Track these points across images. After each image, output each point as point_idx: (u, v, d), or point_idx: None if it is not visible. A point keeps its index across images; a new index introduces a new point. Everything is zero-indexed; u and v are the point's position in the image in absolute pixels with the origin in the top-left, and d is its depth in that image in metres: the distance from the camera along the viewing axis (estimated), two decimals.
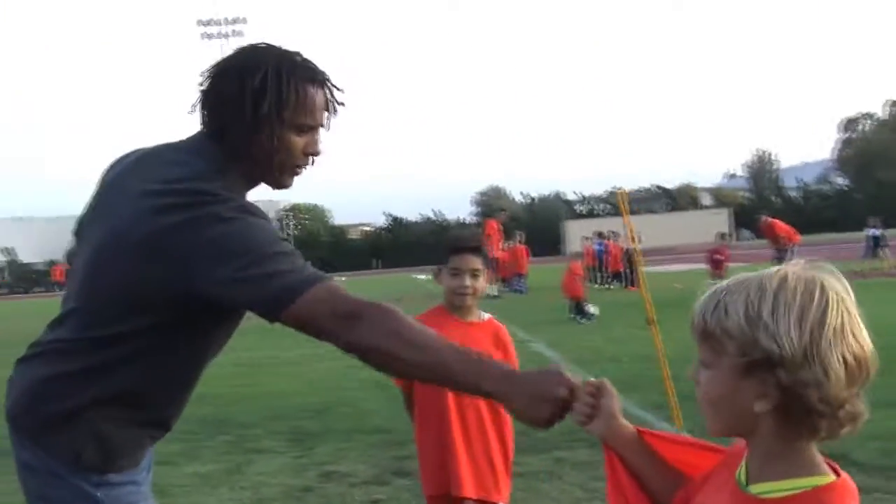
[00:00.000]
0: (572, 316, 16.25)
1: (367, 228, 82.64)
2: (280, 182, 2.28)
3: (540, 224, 64.95)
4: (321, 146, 2.26)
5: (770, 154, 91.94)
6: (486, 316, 3.68)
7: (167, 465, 6.72)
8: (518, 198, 79.63)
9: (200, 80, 2.21)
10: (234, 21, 75.41)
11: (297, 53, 2.22)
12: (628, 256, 25.17)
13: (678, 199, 72.64)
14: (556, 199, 77.30)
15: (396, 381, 3.73)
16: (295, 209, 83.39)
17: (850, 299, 1.38)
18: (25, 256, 64.67)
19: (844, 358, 1.33)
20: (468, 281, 3.50)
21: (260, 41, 2.24)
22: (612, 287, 26.06)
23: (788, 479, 1.38)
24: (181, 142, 2.27)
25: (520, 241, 23.66)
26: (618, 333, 13.29)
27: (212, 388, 10.73)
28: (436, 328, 3.50)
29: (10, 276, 64.82)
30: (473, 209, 79.64)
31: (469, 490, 3.48)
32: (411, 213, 77.22)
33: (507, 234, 25.10)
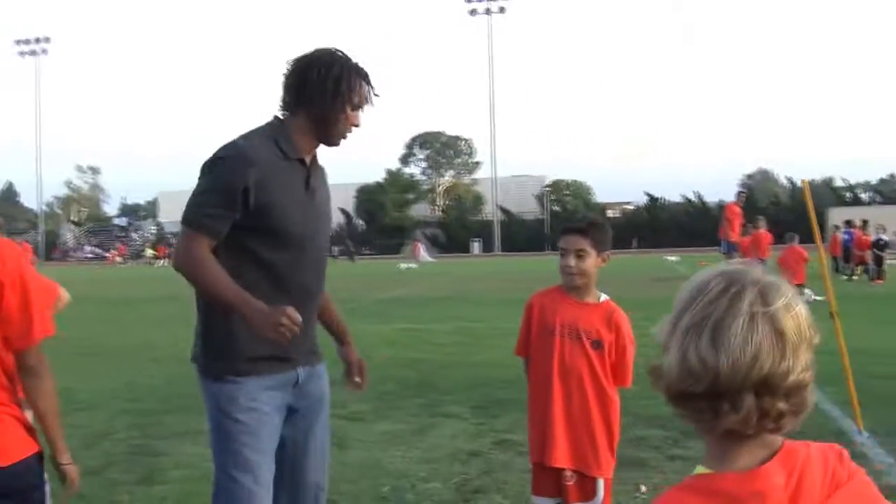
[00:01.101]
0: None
1: (629, 207, 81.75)
2: (336, 142, 3.16)
3: (803, 210, 61.72)
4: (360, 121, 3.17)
5: None
6: (604, 297, 3.76)
7: (356, 421, 7.22)
8: (784, 182, 76.49)
9: (288, 67, 3.08)
10: None
11: (350, 56, 3.13)
12: (877, 248, 23.78)
13: None
14: (824, 186, 73.52)
15: (515, 350, 3.94)
16: (557, 185, 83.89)
17: (754, 304, 1.28)
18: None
19: (685, 354, 1.29)
20: (573, 261, 3.62)
21: (330, 45, 3.14)
22: (856, 277, 24.86)
23: (700, 465, 1.38)
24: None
25: (761, 227, 22.70)
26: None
27: (424, 354, 11.41)
28: (549, 305, 3.71)
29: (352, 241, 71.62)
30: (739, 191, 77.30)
31: (560, 460, 3.61)
32: (674, 195, 76.05)
33: (749, 218, 24.17)
